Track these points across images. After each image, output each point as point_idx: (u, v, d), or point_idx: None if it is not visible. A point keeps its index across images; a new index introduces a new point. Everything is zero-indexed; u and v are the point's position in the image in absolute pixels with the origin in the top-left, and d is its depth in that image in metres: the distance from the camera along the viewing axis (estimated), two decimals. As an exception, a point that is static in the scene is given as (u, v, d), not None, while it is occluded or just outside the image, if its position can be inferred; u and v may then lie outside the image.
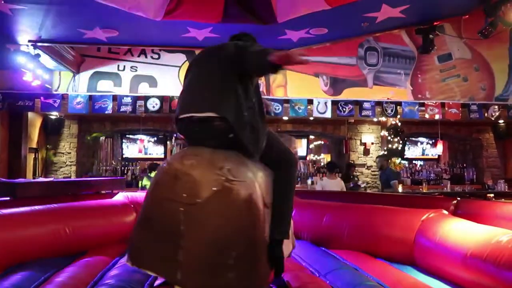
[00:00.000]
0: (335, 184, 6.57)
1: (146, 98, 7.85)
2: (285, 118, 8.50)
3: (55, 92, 7.79)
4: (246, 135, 1.91)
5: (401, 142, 9.12)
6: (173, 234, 1.78)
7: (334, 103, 8.20)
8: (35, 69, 6.70)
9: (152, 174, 7.03)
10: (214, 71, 2.04)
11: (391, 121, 8.75)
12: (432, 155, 10.64)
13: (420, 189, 9.04)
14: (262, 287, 1.90)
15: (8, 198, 3.36)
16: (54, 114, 8.46)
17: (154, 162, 8.15)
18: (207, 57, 2.19)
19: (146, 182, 7.46)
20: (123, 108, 7.76)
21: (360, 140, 9.48)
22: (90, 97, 7.74)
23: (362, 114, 8.26)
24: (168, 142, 10.04)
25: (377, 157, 8.55)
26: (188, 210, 1.78)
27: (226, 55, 2.03)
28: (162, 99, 7.89)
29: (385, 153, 8.98)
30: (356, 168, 9.18)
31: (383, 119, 8.67)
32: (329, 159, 11.11)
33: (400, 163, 9.08)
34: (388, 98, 8.45)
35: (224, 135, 1.92)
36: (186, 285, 1.77)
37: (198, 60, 2.26)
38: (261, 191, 1.94)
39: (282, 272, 2.13)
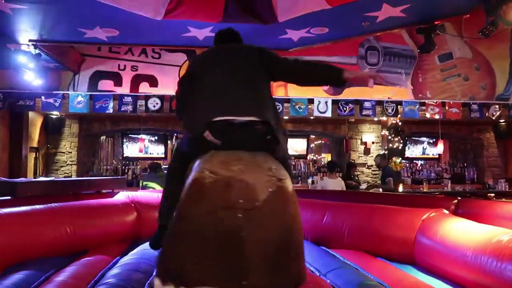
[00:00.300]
0: (336, 183, 6.58)
1: (146, 98, 7.85)
2: (286, 117, 8.50)
3: (55, 92, 7.79)
4: (281, 137, 2.01)
5: (401, 141, 9.11)
6: (233, 242, 1.76)
7: (335, 102, 8.20)
8: (36, 69, 6.70)
9: (159, 174, 6.92)
10: (251, 74, 2.07)
11: (392, 120, 8.74)
12: (432, 154, 10.64)
13: (421, 189, 9.04)
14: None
15: (8, 198, 3.36)
16: (54, 114, 8.46)
17: (155, 161, 8.15)
18: (238, 59, 2.13)
19: (152, 184, 7.10)
20: (123, 108, 7.76)
21: (361, 140, 9.48)
22: (91, 96, 7.74)
23: (363, 113, 8.25)
24: (168, 142, 10.04)
25: (376, 156, 8.55)
26: (248, 215, 1.77)
27: (266, 61, 2.11)
28: (163, 98, 7.88)
29: (385, 152, 8.97)
30: (356, 168, 9.18)
31: (384, 118, 8.66)
32: (329, 159, 11.11)
33: (400, 162, 9.07)
34: (388, 98, 8.44)
35: (263, 139, 1.95)
36: (253, 287, 1.76)
37: (223, 60, 2.14)
38: None
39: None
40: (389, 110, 8.32)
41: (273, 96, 2.22)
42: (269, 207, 1.81)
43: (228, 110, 1.91)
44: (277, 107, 2.24)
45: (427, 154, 10.73)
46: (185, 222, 1.85)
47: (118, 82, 8.07)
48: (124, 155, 9.87)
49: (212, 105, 1.97)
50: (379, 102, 8.36)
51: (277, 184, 1.86)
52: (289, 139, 9.00)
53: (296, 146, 10.11)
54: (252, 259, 1.76)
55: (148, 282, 2.45)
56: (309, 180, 9.30)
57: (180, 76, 8.15)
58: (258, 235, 1.78)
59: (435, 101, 8.49)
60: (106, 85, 8.04)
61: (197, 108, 2.01)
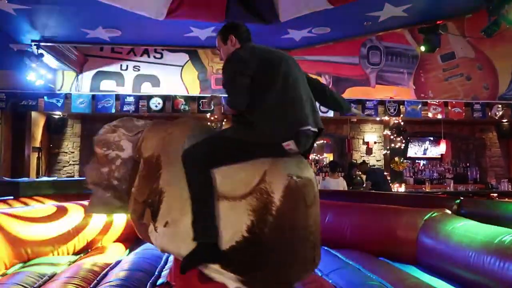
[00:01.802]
0: (337, 183, 6.57)
1: (148, 98, 7.86)
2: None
3: (58, 92, 7.82)
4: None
5: (403, 141, 9.09)
6: (307, 234, 1.95)
7: (337, 102, 8.16)
8: (39, 69, 6.71)
9: None
10: (307, 84, 2.16)
11: (394, 120, 8.72)
12: (435, 154, 10.61)
13: (423, 189, 9.01)
14: None
15: (11, 197, 3.38)
16: (57, 114, 8.48)
17: None
18: (297, 69, 2.15)
19: None
20: (126, 108, 7.78)
21: (363, 140, 9.46)
22: (93, 96, 7.76)
23: (365, 113, 8.24)
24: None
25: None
26: (310, 210, 1.95)
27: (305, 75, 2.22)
28: (165, 98, 7.89)
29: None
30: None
31: (386, 118, 8.65)
32: (331, 159, 11.10)
33: (403, 162, 9.05)
34: (391, 97, 8.42)
35: (311, 145, 2.12)
36: (315, 266, 2.07)
37: (287, 66, 2.08)
38: None
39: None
40: (391, 110, 8.30)
41: None
42: (318, 198, 2.05)
43: (309, 120, 1.98)
44: None
45: (429, 154, 10.70)
46: (282, 230, 1.88)
47: (121, 82, 8.09)
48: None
49: (297, 115, 1.97)
50: (381, 102, 8.34)
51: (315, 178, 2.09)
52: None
53: (298, 146, 10.09)
54: (317, 244, 2.02)
55: (150, 281, 2.45)
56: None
57: (183, 76, 8.19)
58: (317, 227, 2.02)
59: (437, 100, 8.47)
60: (108, 85, 8.06)
61: (281, 115, 1.95)
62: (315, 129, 2.01)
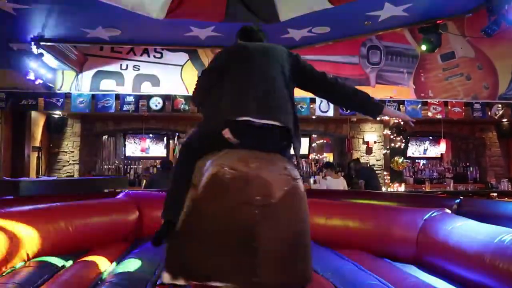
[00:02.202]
0: (338, 183, 6.58)
1: (148, 97, 7.86)
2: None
3: (58, 91, 7.82)
4: (296, 145, 2.05)
5: (403, 141, 9.10)
6: (247, 239, 1.78)
7: (337, 102, 8.16)
8: (38, 68, 6.72)
9: None
10: (279, 78, 2.04)
11: (394, 120, 8.73)
12: (435, 154, 10.61)
13: (423, 188, 9.02)
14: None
15: (11, 197, 3.38)
16: (57, 113, 8.48)
17: (166, 159, 8.08)
18: (268, 59, 2.08)
19: None
20: (125, 107, 7.78)
21: (363, 139, 9.47)
22: (93, 96, 7.76)
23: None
24: (170, 141, 10.06)
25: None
26: (263, 212, 1.80)
27: (299, 68, 2.17)
28: (165, 98, 7.90)
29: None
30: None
31: (386, 118, 8.65)
32: (331, 158, 11.10)
33: (402, 162, 9.06)
34: (391, 97, 8.42)
35: (280, 143, 2.00)
36: (263, 284, 1.80)
37: (253, 58, 2.08)
38: None
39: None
40: (391, 110, 8.29)
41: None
42: (284, 205, 1.84)
43: (251, 111, 1.90)
44: (296, 107, 2.18)
45: (429, 154, 10.71)
46: (201, 217, 1.87)
47: (120, 81, 8.09)
48: (126, 155, 9.89)
49: (235, 104, 1.94)
50: (381, 101, 8.31)
51: (292, 183, 1.90)
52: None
53: (298, 145, 10.08)
54: (264, 256, 1.78)
55: (150, 281, 2.45)
56: (311, 180, 9.29)
57: (183, 75, 8.19)
58: (272, 232, 1.80)
59: (437, 100, 8.48)
60: (108, 84, 8.06)
61: (220, 104, 1.97)
62: (263, 121, 1.90)
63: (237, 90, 1.98)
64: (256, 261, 1.77)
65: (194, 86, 2.21)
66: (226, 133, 1.90)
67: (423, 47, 6.06)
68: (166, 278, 1.89)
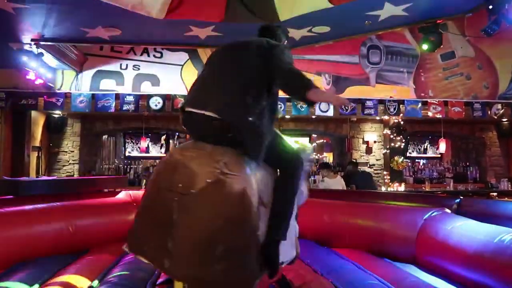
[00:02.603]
0: (336, 183, 6.57)
1: (148, 97, 7.85)
2: (288, 116, 8.50)
3: (58, 91, 7.81)
4: (247, 137, 1.93)
5: (403, 140, 9.09)
6: (166, 223, 1.85)
7: (337, 101, 8.15)
8: (38, 68, 6.71)
9: None
10: (237, 70, 2.02)
11: (394, 119, 8.73)
12: (435, 153, 10.61)
13: (423, 188, 9.02)
14: (250, 284, 1.88)
15: (11, 196, 3.38)
16: (57, 113, 8.48)
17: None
18: (235, 53, 2.11)
19: None
20: (125, 107, 7.78)
21: (363, 139, 9.46)
22: (93, 95, 7.76)
23: (365, 112, 8.24)
24: (170, 141, 10.06)
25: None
26: (182, 200, 1.84)
27: (267, 59, 2.01)
28: (165, 97, 7.89)
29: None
30: (358, 167, 9.15)
31: (386, 117, 8.65)
32: (331, 158, 11.10)
33: (402, 161, 9.05)
34: (390, 97, 8.42)
35: (223, 135, 1.95)
36: (173, 274, 1.87)
37: (219, 54, 2.19)
38: (258, 188, 1.95)
39: (275, 275, 2.03)
40: (391, 109, 8.30)
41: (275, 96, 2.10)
42: (203, 197, 1.83)
43: (192, 103, 2.00)
44: (271, 107, 2.06)
45: (429, 153, 10.71)
46: (143, 196, 2.07)
47: (120, 81, 8.09)
48: (126, 154, 9.89)
49: (188, 96, 2.09)
50: (381, 101, 8.34)
51: (219, 177, 1.84)
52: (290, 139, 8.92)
53: (297, 145, 10.08)
54: (179, 243, 1.81)
55: (150, 280, 2.45)
56: (311, 179, 9.30)
57: (183, 75, 8.18)
58: (187, 223, 1.82)
59: (437, 100, 8.47)
60: (108, 84, 8.06)
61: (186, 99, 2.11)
62: (195, 111, 1.95)
63: (196, 84, 2.11)
64: (169, 246, 1.81)
65: None
66: (181, 123, 2.08)
67: (424, 46, 6.06)
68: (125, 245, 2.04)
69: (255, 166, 1.99)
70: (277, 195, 2.03)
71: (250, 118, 1.89)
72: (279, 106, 7.85)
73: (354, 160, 8.76)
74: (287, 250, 2.10)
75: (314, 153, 11.35)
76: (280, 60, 1.99)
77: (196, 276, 1.80)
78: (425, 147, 10.71)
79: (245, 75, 1.99)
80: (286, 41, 2.36)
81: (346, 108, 8.17)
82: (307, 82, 1.88)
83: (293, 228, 2.18)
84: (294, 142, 2.23)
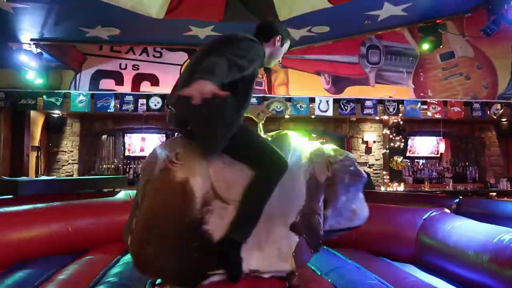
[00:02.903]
0: None
1: (148, 97, 7.85)
2: (287, 116, 8.50)
3: (57, 91, 7.81)
4: (200, 130, 1.96)
5: (403, 140, 9.10)
6: (136, 204, 2.10)
7: (336, 101, 8.19)
8: (38, 68, 6.71)
9: None
10: (191, 62, 2.13)
11: (393, 119, 8.73)
12: (434, 153, 10.60)
13: (422, 188, 9.02)
14: (186, 274, 1.92)
15: (10, 196, 3.37)
16: (56, 113, 8.47)
17: None
18: (206, 47, 2.10)
19: None
20: (125, 107, 7.77)
21: (362, 139, 9.47)
22: (92, 95, 7.75)
23: (364, 112, 8.25)
24: (170, 141, 10.04)
25: None
26: (144, 185, 2.06)
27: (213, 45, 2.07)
28: (164, 97, 7.88)
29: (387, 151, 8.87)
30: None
31: (385, 117, 8.65)
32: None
33: (402, 161, 9.06)
34: (390, 97, 8.43)
35: (183, 127, 2.07)
36: (129, 250, 2.10)
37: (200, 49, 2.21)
38: (213, 181, 1.96)
39: (236, 278, 1.96)
40: (391, 109, 8.31)
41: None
42: (153, 184, 2.01)
43: (170, 96, 2.12)
44: (237, 97, 1.99)
45: (428, 153, 10.70)
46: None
47: (120, 81, 8.08)
48: (126, 154, 9.87)
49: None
50: (381, 101, 8.35)
51: (167, 165, 1.98)
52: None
53: (297, 145, 10.08)
54: (135, 222, 2.03)
55: (149, 281, 2.45)
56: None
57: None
58: (143, 204, 2.02)
59: (436, 100, 8.48)
60: (107, 84, 8.05)
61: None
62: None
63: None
64: (132, 226, 2.04)
65: None
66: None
67: (425, 46, 6.07)
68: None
69: (216, 159, 1.99)
70: (244, 195, 1.98)
71: (203, 110, 1.74)
72: (277, 106, 7.83)
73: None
74: (271, 260, 2.04)
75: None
76: (220, 50, 1.87)
77: (138, 254, 1.98)
78: (425, 147, 10.69)
79: (194, 66, 1.99)
80: (281, 37, 2.26)
81: (346, 107, 8.18)
82: (201, 72, 1.68)
83: (287, 239, 2.07)
84: (326, 147, 2.28)
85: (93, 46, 7.74)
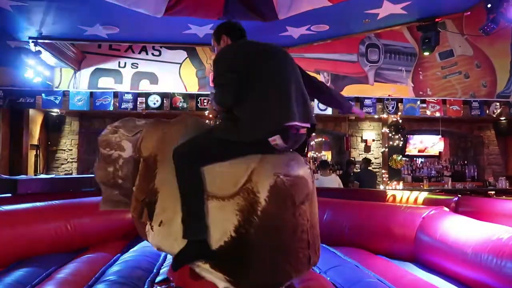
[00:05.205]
0: (330, 180, 6.57)
1: (147, 95, 7.84)
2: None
3: (56, 89, 7.80)
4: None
5: (402, 139, 9.11)
6: (302, 233, 1.98)
7: (335, 100, 8.18)
8: (36, 66, 6.69)
9: None
10: (301, 82, 2.08)
11: (392, 118, 8.74)
12: (433, 152, 10.62)
13: (421, 186, 9.04)
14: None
15: (9, 195, 3.37)
16: (55, 111, 8.46)
17: None
18: (290, 64, 2.06)
19: None
20: (124, 105, 7.77)
21: (361, 137, 9.47)
22: (91, 94, 7.74)
23: (363, 111, 8.25)
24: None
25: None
26: (302, 209, 1.98)
27: (303, 72, 2.18)
28: (163, 96, 7.89)
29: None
30: (355, 165, 9.16)
31: (384, 116, 8.66)
32: (330, 156, 11.11)
33: (401, 160, 9.07)
34: (389, 95, 8.43)
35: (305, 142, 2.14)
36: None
37: (278, 62, 2.05)
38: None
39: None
40: (390, 108, 8.31)
41: None
42: (314, 196, 2.05)
43: (297, 116, 1.91)
44: None
45: (427, 152, 10.71)
46: (277, 228, 1.86)
47: (119, 79, 8.07)
48: (125, 153, 9.87)
49: (282, 109, 1.91)
50: (380, 100, 8.35)
51: (313, 175, 2.07)
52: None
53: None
54: (313, 244, 1.96)
55: (149, 279, 2.45)
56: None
57: (182, 73, 8.17)
58: (311, 218, 1.97)
59: (435, 98, 8.49)
60: (106, 82, 8.04)
61: (264, 110, 1.91)
62: (305, 125, 1.96)
63: (279, 93, 1.94)
64: (311, 250, 1.95)
65: (221, 86, 1.96)
66: (276, 139, 1.87)
67: (426, 53, 6.09)
68: None
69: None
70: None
71: None
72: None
73: (353, 159, 8.78)
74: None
75: (312, 152, 11.32)
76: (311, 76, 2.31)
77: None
78: (424, 145, 10.70)
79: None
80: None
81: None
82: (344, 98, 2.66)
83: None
84: None
85: (92, 45, 7.72)
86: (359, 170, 8.10)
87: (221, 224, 1.86)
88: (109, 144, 2.38)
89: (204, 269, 1.92)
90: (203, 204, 1.91)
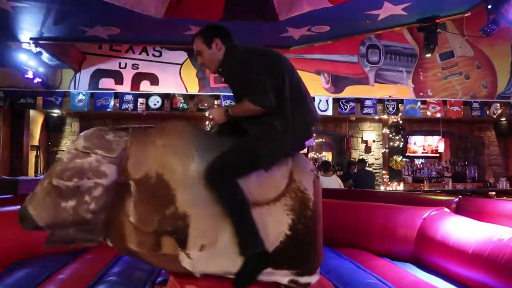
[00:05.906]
0: (330, 181, 6.58)
1: (147, 96, 7.85)
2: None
3: (56, 90, 7.80)
4: None
5: (402, 139, 9.10)
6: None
7: (336, 100, 8.20)
8: (37, 67, 6.70)
9: None
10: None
11: (393, 118, 8.73)
12: (434, 152, 10.62)
13: (422, 187, 9.03)
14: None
15: (10, 195, 3.37)
16: (55, 112, 8.46)
17: None
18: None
19: None
20: (124, 106, 7.77)
21: (362, 138, 9.47)
22: (92, 94, 7.75)
23: (364, 111, 8.25)
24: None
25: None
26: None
27: None
28: (164, 97, 7.89)
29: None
30: (356, 166, 9.16)
31: (385, 116, 8.66)
32: (330, 157, 11.10)
33: (401, 160, 9.06)
34: (389, 96, 8.43)
35: None
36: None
37: (290, 64, 2.13)
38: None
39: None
40: (390, 109, 8.31)
41: None
42: None
43: (316, 118, 2.17)
44: None
45: (428, 153, 10.71)
46: (318, 217, 2.10)
47: (119, 80, 8.07)
48: (125, 153, 9.88)
49: (311, 112, 2.12)
50: (380, 101, 8.35)
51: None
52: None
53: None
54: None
55: (149, 279, 2.45)
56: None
57: (182, 74, 8.16)
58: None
59: (436, 99, 8.48)
60: (107, 83, 8.04)
61: (300, 115, 2.03)
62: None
63: (305, 97, 2.10)
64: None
65: (261, 86, 1.92)
66: (312, 140, 2.05)
67: (428, 55, 6.10)
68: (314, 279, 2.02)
69: None
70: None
71: None
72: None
73: (353, 159, 8.78)
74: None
75: (313, 152, 11.30)
76: None
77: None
78: (424, 146, 10.71)
79: None
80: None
81: (345, 107, 8.19)
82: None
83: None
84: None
85: (93, 45, 7.73)
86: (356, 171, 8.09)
87: (273, 227, 1.94)
88: (79, 172, 1.88)
89: (265, 274, 1.91)
90: (252, 216, 1.91)
